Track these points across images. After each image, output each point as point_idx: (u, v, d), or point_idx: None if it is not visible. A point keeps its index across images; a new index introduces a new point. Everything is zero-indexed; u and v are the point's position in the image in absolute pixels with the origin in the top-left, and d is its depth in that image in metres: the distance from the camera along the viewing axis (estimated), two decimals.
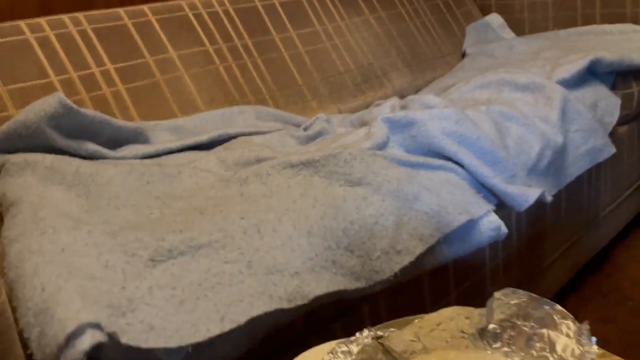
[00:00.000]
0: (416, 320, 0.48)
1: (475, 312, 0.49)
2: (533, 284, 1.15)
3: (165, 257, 0.63)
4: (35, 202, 0.75)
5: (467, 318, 0.48)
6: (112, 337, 0.50)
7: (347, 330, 0.80)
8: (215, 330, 0.57)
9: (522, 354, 0.46)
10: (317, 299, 0.67)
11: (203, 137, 1.10)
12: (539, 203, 0.97)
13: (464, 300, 0.98)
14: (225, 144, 1.12)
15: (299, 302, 0.64)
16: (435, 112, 1.01)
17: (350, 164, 0.87)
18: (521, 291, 0.49)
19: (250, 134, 1.19)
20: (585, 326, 0.44)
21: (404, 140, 0.99)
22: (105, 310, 0.53)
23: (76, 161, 0.87)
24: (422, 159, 0.93)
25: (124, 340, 0.51)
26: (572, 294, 1.30)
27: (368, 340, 0.47)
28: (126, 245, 0.64)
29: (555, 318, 0.46)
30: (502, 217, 0.89)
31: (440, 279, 0.96)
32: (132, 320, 0.54)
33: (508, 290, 0.49)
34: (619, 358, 0.46)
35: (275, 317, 0.63)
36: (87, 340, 0.48)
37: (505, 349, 0.47)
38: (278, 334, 0.66)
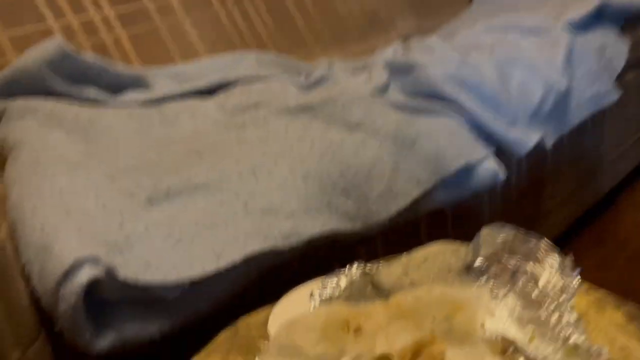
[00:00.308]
0: (403, 256, 0.49)
1: (462, 248, 0.50)
2: (532, 230, 1.16)
3: (162, 197, 0.64)
4: (35, 146, 0.76)
5: (454, 255, 0.49)
6: (110, 273, 0.52)
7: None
8: (211, 267, 0.58)
9: (506, 288, 0.47)
10: (312, 239, 0.68)
11: (202, 82, 1.09)
12: (540, 149, 0.97)
13: None
14: (225, 90, 1.11)
15: (294, 241, 0.65)
16: (436, 57, 0.99)
17: (349, 108, 0.87)
18: (509, 226, 0.49)
19: (251, 80, 1.18)
20: (569, 259, 0.45)
21: (405, 85, 0.98)
22: (103, 247, 0.54)
23: (75, 107, 0.87)
24: (422, 104, 0.93)
25: (121, 275, 0.53)
26: (573, 240, 1.31)
27: (357, 275, 0.48)
28: (124, 187, 0.65)
29: (541, 252, 0.46)
30: (502, 164, 0.89)
31: (438, 224, 0.97)
32: (129, 257, 0.55)
33: (496, 225, 0.49)
34: (604, 290, 0.47)
35: (271, 257, 0.64)
36: (85, 275, 0.49)
37: (491, 284, 0.48)
38: (274, 275, 0.67)
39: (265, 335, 0.52)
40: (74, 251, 0.51)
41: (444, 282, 0.48)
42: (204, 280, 0.59)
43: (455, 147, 0.87)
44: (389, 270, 0.49)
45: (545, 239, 0.47)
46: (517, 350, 0.41)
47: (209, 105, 0.98)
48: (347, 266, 0.50)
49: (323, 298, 0.46)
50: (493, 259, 0.49)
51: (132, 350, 0.55)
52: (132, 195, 0.63)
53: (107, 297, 0.53)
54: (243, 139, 0.80)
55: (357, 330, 0.44)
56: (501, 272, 0.48)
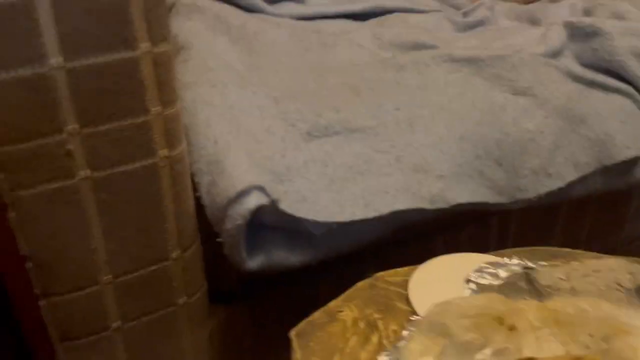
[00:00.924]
0: (574, 262, 0.47)
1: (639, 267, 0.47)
2: None
3: (321, 133, 0.65)
4: (203, 49, 0.78)
5: (629, 274, 0.46)
6: (274, 202, 0.54)
7: (473, 242, 0.80)
8: (359, 214, 0.60)
9: None
10: (458, 205, 0.67)
11: (357, 6, 1.06)
12: None
13: (596, 236, 0.94)
14: (380, 19, 1.07)
15: (440, 205, 0.65)
16: (628, 26, 0.88)
17: (518, 69, 0.81)
18: None
19: (405, 10, 1.12)
20: None
21: (583, 52, 0.89)
22: (267, 175, 0.56)
23: (243, 15, 0.88)
24: (598, 77, 0.84)
25: (281, 206, 0.55)
26: None
27: (516, 269, 0.47)
28: (286, 114, 0.66)
29: None
30: None
31: (578, 209, 0.91)
32: (289, 189, 0.57)
33: None
34: None
35: (414, 214, 0.64)
36: (253, 201, 0.52)
37: None
38: (409, 228, 0.67)
39: (403, 298, 0.53)
40: (245, 176, 0.54)
41: (610, 300, 0.45)
42: (349, 223, 0.60)
43: (627, 134, 0.79)
44: (549, 271, 0.47)
45: None
46: None
47: (365, 33, 0.95)
48: (506, 258, 0.48)
49: (480, 285, 0.46)
50: None
51: (273, 274, 0.59)
52: (294, 125, 0.65)
53: (264, 222, 0.56)
54: (402, 83, 0.77)
55: (512, 329, 0.43)
56: None
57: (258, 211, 0.54)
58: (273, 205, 0.54)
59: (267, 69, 0.78)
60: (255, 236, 0.56)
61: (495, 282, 0.46)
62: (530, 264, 0.48)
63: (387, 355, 0.40)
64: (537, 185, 0.74)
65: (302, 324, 0.50)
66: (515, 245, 0.84)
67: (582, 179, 0.77)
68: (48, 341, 0.53)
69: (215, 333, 0.65)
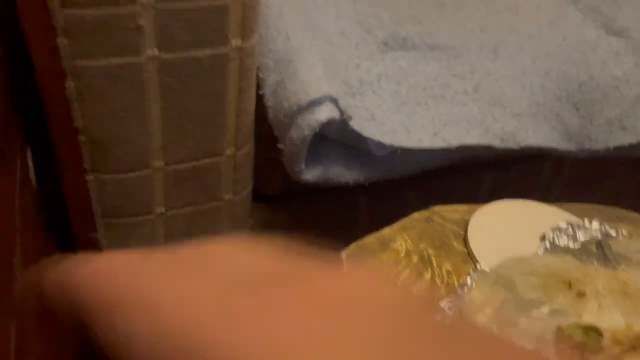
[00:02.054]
0: None
1: None
2: None
3: (398, 45, 0.59)
4: None
5: None
6: (344, 117, 0.50)
7: (520, 183, 0.77)
8: (425, 143, 0.56)
9: None
10: (527, 148, 0.63)
11: None
12: None
13: None
14: None
15: (510, 145, 0.61)
16: None
17: (618, 7, 0.72)
18: None
19: None
20: None
21: None
22: (341, 86, 0.52)
23: None
24: None
25: (351, 123, 0.51)
26: None
27: (596, 235, 0.44)
28: (364, 18, 0.60)
29: None
30: None
31: (630, 165, 0.87)
32: (360, 104, 0.53)
33: None
34: None
35: (481, 150, 0.60)
36: (325, 112, 0.48)
37: None
38: (467, 160, 0.64)
39: (460, 238, 0.51)
40: (319, 84, 0.49)
41: None
42: (412, 149, 0.57)
43: None
44: (628, 242, 0.45)
45: None
46: None
47: None
48: (586, 220, 0.45)
49: (554, 245, 0.44)
50: None
51: (325, 186, 0.57)
52: (370, 31, 0.59)
53: (327, 135, 0.53)
54: (491, 3, 0.70)
55: (580, 295, 0.41)
56: None
57: (326, 124, 0.50)
58: (343, 121, 0.50)
59: None
60: (315, 148, 0.53)
61: (572, 245, 0.44)
62: (610, 231, 0.45)
63: (449, 301, 0.39)
64: (609, 137, 0.69)
65: (353, 246, 0.49)
66: (562, 194, 0.82)
67: None
68: (90, 215, 0.52)
69: (253, 232, 0.64)
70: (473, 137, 0.58)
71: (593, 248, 0.46)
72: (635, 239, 0.45)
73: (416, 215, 0.53)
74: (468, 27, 0.64)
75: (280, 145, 0.51)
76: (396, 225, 0.52)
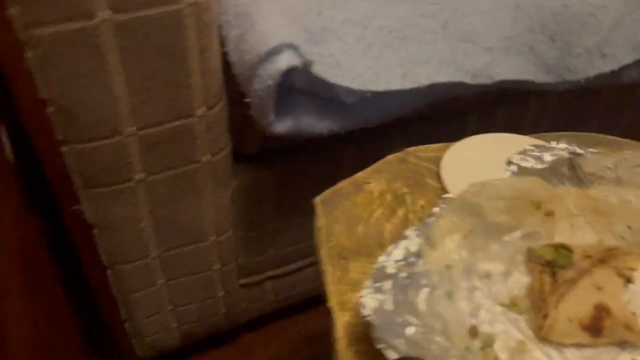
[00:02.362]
0: (626, 151, 0.44)
1: None
2: None
3: None
4: None
5: None
6: (307, 65, 0.50)
7: (507, 123, 0.76)
8: (395, 84, 0.56)
9: None
10: (501, 82, 0.62)
11: None
12: None
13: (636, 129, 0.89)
14: None
15: (483, 81, 0.60)
16: None
17: None
18: None
19: None
20: None
21: None
22: (302, 34, 0.52)
23: None
24: None
25: (315, 70, 0.51)
26: None
27: (563, 154, 0.44)
28: None
29: None
30: None
31: (617, 98, 0.85)
32: (323, 51, 0.53)
33: None
34: None
35: (454, 88, 0.60)
36: (285, 61, 0.48)
37: None
38: (444, 102, 0.63)
39: (434, 175, 0.51)
40: (278, 32, 0.49)
41: None
42: (383, 93, 0.56)
43: None
44: (597, 158, 0.44)
45: None
46: None
47: None
48: (553, 141, 0.45)
49: (521, 168, 0.43)
50: None
51: (299, 140, 0.57)
52: None
53: (293, 85, 0.53)
54: None
55: (549, 214, 0.42)
56: None
57: (289, 73, 0.50)
58: (306, 68, 0.50)
59: None
60: (284, 99, 0.53)
61: (539, 166, 0.43)
62: (578, 150, 0.45)
63: (415, 229, 0.39)
64: (589, 67, 0.68)
65: (327, 192, 0.49)
66: (551, 130, 0.81)
67: (638, 63, 0.70)
68: (71, 187, 0.53)
69: (238, 193, 0.65)
70: (444, 75, 0.57)
71: (565, 170, 0.46)
72: (604, 156, 0.44)
73: (390, 157, 0.54)
74: None
75: (247, 100, 0.51)
76: (370, 168, 0.52)
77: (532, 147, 0.44)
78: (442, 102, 0.64)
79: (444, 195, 0.42)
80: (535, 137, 0.54)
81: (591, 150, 0.45)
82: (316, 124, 0.56)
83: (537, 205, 0.42)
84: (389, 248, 0.37)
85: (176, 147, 0.56)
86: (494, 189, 0.41)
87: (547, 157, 0.44)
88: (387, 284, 0.36)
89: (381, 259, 0.37)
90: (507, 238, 0.42)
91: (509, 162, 0.44)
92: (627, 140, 0.56)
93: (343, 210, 0.48)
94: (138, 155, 0.54)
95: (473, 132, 0.74)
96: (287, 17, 0.52)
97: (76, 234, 0.59)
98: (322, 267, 0.42)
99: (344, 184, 0.50)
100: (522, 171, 0.43)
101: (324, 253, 0.43)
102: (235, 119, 0.59)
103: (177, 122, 0.54)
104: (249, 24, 0.51)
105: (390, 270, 0.36)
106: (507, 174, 0.44)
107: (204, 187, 0.61)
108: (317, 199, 0.48)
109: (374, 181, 0.50)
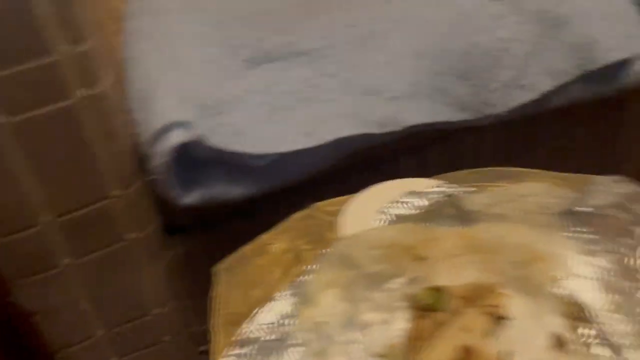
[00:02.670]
0: (497, 188, 0.44)
1: (569, 194, 0.44)
2: None
3: (263, 59, 0.62)
4: None
5: (556, 198, 0.43)
6: (200, 138, 0.53)
7: (441, 160, 0.77)
8: (300, 144, 0.58)
9: (605, 247, 0.41)
10: (413, 127, 0.63)
11: None
12: None
13: (587, 153, 0.88)
14: None
15: (391, 128, 0.62)
16: None
17: None
18: (632, 182, 0.42)
19: None
20: None
21: None
22: (198, 109, 0.55)
23: None
24: None
25: (213, 141, 0.54)
26: None
27: (436, 197, 0.45)
28: (228, 40, 0.63)
29: None
30: None
31: (565, 118, 0.86)
32: (223, 122, 0.56)
33: (616, 177, 0.42)
34: None
35: (365, 138, 0.62)
36: (175, 137, 0.51)
37: (588, 235, 0.42)
38: (366, 154, 0.65)
39: (335, 228, 0.52)
40: (169, 111, 0.52)
41: (534, 224, 0.43)
42: (293, 153, 0.58)
43: (614, 35, 0.72)
44: (478, 197, 0.45)
45: None
46: (585, 318, 0.38)
47: None
48: (432, 185, 0.46)
49: (395, 216, 0.44)
50: (602, 210, 0.42)
51: (217, 208, 0.59)
52: (235, 53, 0.62)
53: (198, 156, 0.55)
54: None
55: (422, 259, 0.42)
56: (607, 228, 0.42)
57: (186, 147, 0.52)
58: (200, 141, 0.53)
59: None
60: (192, 171, 0.56)
61: (413, 212, 0.44)
62: (452, 191, 0.45)
63: (289, 289, 0.40)
64: (507, 99, 0.69)
65: (229, 258, 0.50)
66: (490, 165, 0.81)
67: (561, 89, 0.71)
68: (1, 281, 0.56)
69: (174, 263, 0.67)
70: (348, 129, 0.59)
71: (450, 210, 0.46)
72: (481, 193, 0.45)
73: (296, 215, 0.55)
74: (336, 26, 0.66)
75: (152, 177, 0.54)
76: (275, 229, 0.54)
77: (406, 195, 0.45)
78: (364, 152, 0.66)
79: (320, 252, 0.43)
80: (439, 178, 0.55)
81: (467, 189, 0.46)
82: (228, 190, 0.58)
83: (411, 251, 0.42)
84: (254, 312, 0.38)
85: (98, 228, 0.58)
86: (365, 239, 0.42)
87: (419, 202, 0.45)
88: (252, 349, 0.36)
89: (244, 325, 0.38)
90: (391, 285, 0.43)
91: (382, 212, 0.45)
92: (535, 171, 0.56)
93: (245, 275, 0.49)
94: (62, 241, 0.57)
95: (404, 175, 0.76)
96: (183, 95, 0.55)
97: (17, 322, 0.61)
98: (212, 336, 0.43)
99: (247, 248, 0.51)
100: (398, 218, 0.44)
101: (214, 322, 0.44)
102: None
103: (93, 206, 0.56)
104: (149, 106, 0.54)
105: (254, 334, 0.37)
106: (380, 223, 0.44)
107: (137, 263, 0.63)
108: (218, 267, 0.50)
109: (277, 242, 0.52)
